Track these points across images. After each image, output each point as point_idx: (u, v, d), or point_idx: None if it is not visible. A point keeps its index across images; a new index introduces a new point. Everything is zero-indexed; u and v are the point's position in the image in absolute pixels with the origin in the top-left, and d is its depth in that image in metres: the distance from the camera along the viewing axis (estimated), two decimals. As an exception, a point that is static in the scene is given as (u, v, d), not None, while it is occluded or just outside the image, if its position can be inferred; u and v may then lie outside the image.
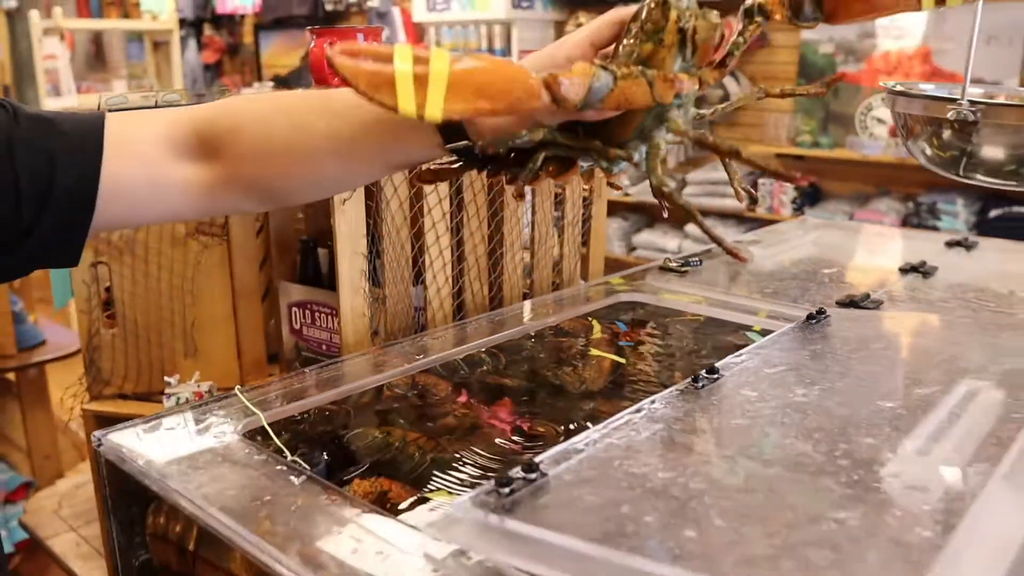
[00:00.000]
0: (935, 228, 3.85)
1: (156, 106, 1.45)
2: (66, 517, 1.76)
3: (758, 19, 0.69)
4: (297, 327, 1.41)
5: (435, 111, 0.54)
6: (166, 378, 1.39)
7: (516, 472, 0.64)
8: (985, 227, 3.76)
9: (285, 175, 0.79)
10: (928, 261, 1.46)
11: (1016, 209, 3.78)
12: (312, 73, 1.23)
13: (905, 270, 1.42)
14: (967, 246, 1.64)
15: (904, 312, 1.16)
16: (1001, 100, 1.24)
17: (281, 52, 6.87)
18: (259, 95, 0.84)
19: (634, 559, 0.52)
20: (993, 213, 3.81)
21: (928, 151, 1.17)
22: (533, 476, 0.63)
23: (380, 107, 0.54)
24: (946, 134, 1.09)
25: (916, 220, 3.94)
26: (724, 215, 4.39)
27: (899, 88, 1.14)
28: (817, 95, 0.76)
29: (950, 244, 1.65)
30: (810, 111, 4.36)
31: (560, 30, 5.13)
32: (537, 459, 0.65)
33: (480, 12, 4.90)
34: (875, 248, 1.76)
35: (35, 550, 2.95)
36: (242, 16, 6.94)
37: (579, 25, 4.92)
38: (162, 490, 0.72)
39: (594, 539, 0.55)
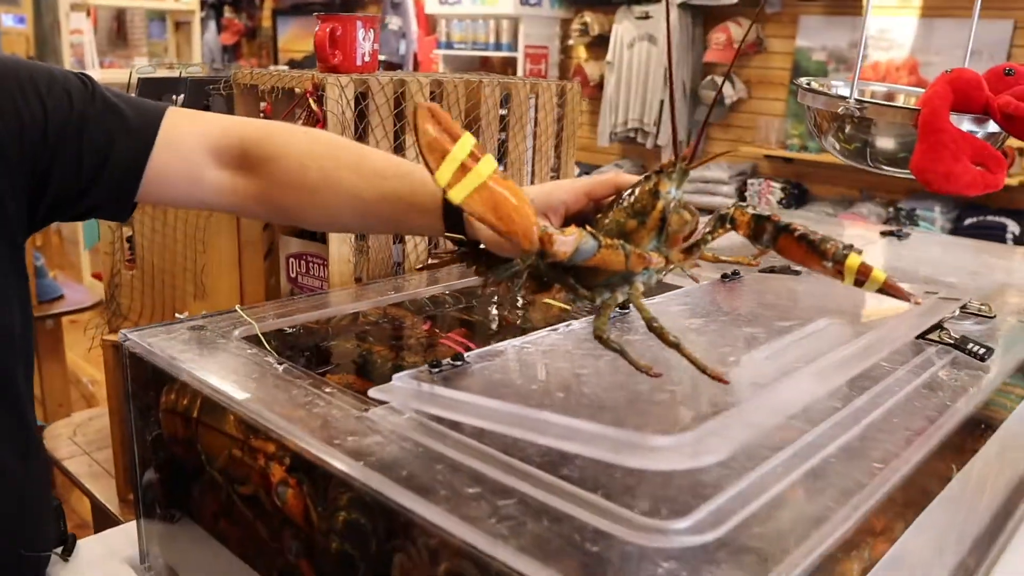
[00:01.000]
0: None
1: (180, 77, 1.65)
2: (80, 443, 1.96)
3: (727, 226, 0.82)
4: (293, 275, 1.60)
5: (457, 196, 0.62)
6: (177, 314, 1.59)
7: (446, 361, 0.83)
8: (960, 233, 3.94)
9: (304, 209, 0.98)
10: (856, 246, 1.64)
11: (990, 218, 3.96)
12: (316, 52, 1.42)
13: (832, 251, 1.60)
14: (899, 236, 1.82)
15: (808, 278, 1.35)
16: (883, 100, 1.41)
17: (298, 37, 7.07)
18: (305, 133, 0.99)
19: (533, 411, 0.71)
20: (968, 220, 3.98)
21: (836, 145, 1.35)
22: (459, 363, 0.83)
23: (423, 165, 0.63)
24: (848, 128, 1.28)
25: (895, 224, 4.12)
26: (712, 211, 4.56)
27: (805, 84, 1.32)
28: (749, 266, 0.92)
29: (884, 234, 1.83)
30: (800, 116, 4.53)
31: (565, 28, 5.32)
32: (465, 354, 0.85)
33: (489, 7, 5.08)
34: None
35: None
36: (261, 0, 7.14)
37: (584, 24, 5.11)
38: (174, 370, 0.91)
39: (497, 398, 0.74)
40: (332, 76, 1.29)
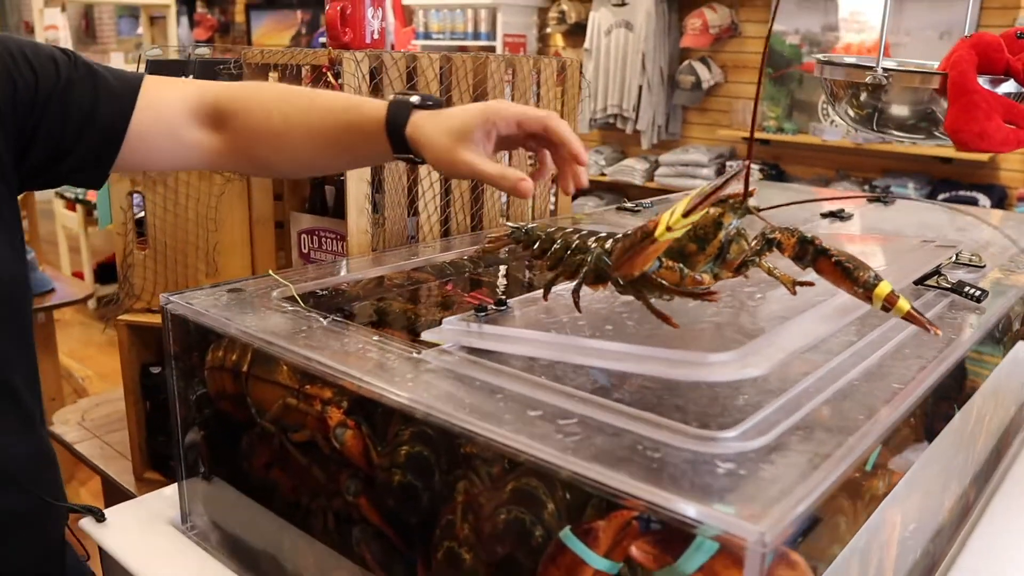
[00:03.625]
0: (886, 209, 4.12)
1: (188, 59, 1.68)
2: (89, 427, 1.98)
3: (774, 249, 0.85)
4: (305, 251, 1.64)
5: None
6: (192, 292, 1.62)
7: (490, 306, 0.88)
8: (933, 209, 4.04)
9: (274, 153, 1.06)
10: (847, 211, 1.71)
11: (962, 193, 4.07)
12: (328, 31, 1.46)
13: (825, 215, 1.67)
14: (885, 202, 1.90)
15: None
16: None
17: (272, 31, 7.06)
18: (269, 87, 1.08)
19: (584, 339, 0.76)
20: (940, 196, 4.09)
21: (850, 112, 1.43)
22: (503, 308, 0.88)
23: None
24: (863, 96, 1.35)
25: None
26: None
27: (825, 59, 1.40)
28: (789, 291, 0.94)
29: (871, 200, 1.91)
30: (776, 99, 4.62)
31: (543, 16, 5.37)
32: (507, 300, 0.90)
33: (467, -4, 5.13)
34: (808, 203, 2.01)
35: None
36: (235, -5, 7.11)
37: (561, 12, 5.16)
38: (222, 326, 0.95)
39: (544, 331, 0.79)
40: (348, 52, 1.34)
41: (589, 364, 0.71)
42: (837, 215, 1.67)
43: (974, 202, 3.96)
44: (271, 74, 1.53)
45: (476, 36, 5.19)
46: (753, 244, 0.81)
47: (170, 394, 1.07)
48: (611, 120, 4.99)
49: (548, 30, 5.33)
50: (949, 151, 4.01)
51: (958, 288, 1.11)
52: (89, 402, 2.24)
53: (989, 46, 1.24)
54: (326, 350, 0.86)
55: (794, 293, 0.87)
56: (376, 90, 1.37)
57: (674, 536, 0.60)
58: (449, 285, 1.23)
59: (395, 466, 0.80)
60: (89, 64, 0.97)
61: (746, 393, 0.74)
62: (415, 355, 0.83)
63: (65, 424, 2.03)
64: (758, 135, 4.59)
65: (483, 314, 0.86)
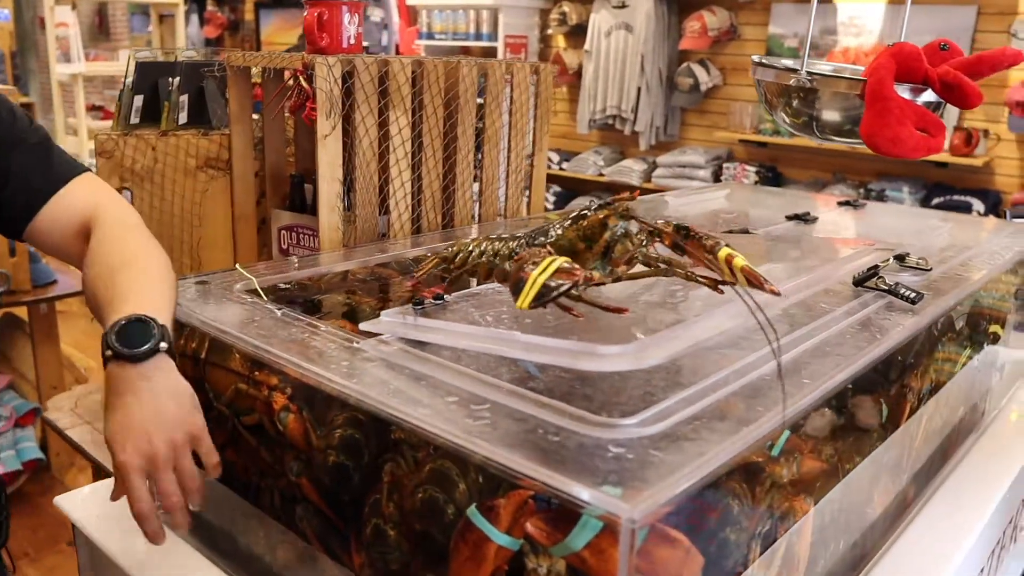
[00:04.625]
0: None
1: (175, 61, 1.74)
2: (81, 414, 2.05)
3: (657, 238, 0.91)
4: (285, 247, 1.70)
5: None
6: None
7: (428, 301, 0.93)
8: (927, 213, 4.06)
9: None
10: (813, 214, 1.75)
11: (956, 197, 4.09)
12: (305, 35, 1.52)
13: (790, 217, 1.72)
14: (856, 205, 1.94)
15: (769, 239, 1.46)
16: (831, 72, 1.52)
17: (280, 30, 7.14)
18: (110, 253, 1.01)
19: (503, 331, 0.81)
20: (935, 200, 4.11)
21: (786, 119, 1.46)
22: (439, 301, 0.93)
23: None
24: (795, 103, 1.39)
25: (866, 205, 4.25)
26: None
27: (757, 60, 1.43)
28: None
29: (841, 203, 1.95)
30: (773, 101, 4.64)
31: (544, 17, 5.42)
32: (445, 295, 0.95)
33: (470, -3, 5.18)
34: (776, 204, 2.05)
35: (40, 471, 3.25)
36: (244, -7, 7.19)
37: (562, 14, 5.21)
38: (184, 316, 1.01)
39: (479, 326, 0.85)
40: (320, 56, 1.39)
41: (504, 353, 0.76)
42: (802, 218, 1.72)
43: (968, 206, 3.98)
44: (253, 72, 1.59)
45: (478, 37, 5.24)
46: (638, 239, 0.87)
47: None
48: (610, 121, 5.04)
49: (549, 31, 5.38)
50: (944, 156, 4.03)
51: (894, 290, 1.16)
52: (84, 389, 2.31)
53: (909, 56, 1.28)
54: (273, 339, 0.92)
55: (720, 292, 0.92)
56: (348, 93, 1.42)
57: (565, 515, 0.65)
58: (411, 281, 1.28)
59: (330, 448, 0.85)
60: (46, 135, 1.08)
61: (657, 385, 0.79)
62: (354, 344, 0.89)
63: (59, 411, 2.09)
64: (755, 138, 4.63)
65: (420, 307, 0.91)
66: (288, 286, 1.19)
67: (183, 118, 1.74)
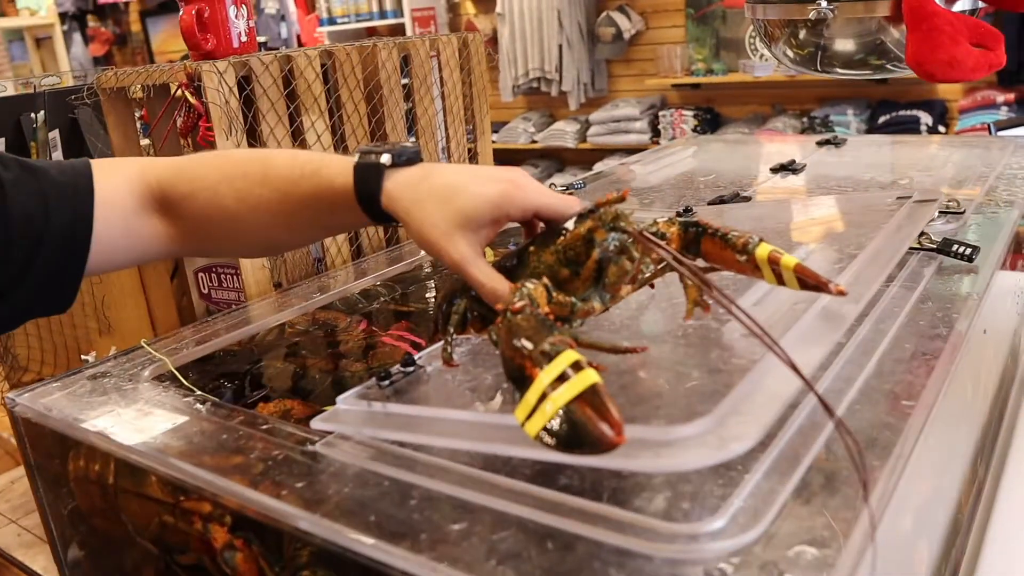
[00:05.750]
0: (828, 139, 4.02)
1: (35, 92, 1.46)
2: (4, 511, 1.78)
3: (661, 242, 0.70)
4: (205, 291, 1.45)
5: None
6: (83, 356, 1.42)
7: (395, 368, 0.71)
8: (876, 131, 3.94)
9: (232, 237, 0.84)
10: (798, 160, 1.56)
11: (902, 113, 3.97)
12: (185, 40, 1.26)
13: (775, 169, 1.52)
14: (836, 143, 1.75)
15: (760, 204, 1.26)
16: None
17: (173, 36, 6.70)
18: (214, 158, 0.85)
19: (511, 418, 0.59)
20: (881, 119, 3.99)
21: (789, 52, 1.26)
22: (410, 369, 0.70)
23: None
24: (802, 34, 1.19)
25: (812, 134, 4.11)
26: (628, 150, 4.49)
27: None
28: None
29: (820, 143, 1.76)
30: (701, 39, 4.47)
31: (450, -12, 5.14)
32: (416, 356, 0.73)
33: (368, -26, 4.87)
34: (751, 154, 1.86)
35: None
36: (126, 3, 6.74)
37: (469, -22, 4.93)
38: (77, 433, 0.77)
39: (464, 408, 0.62)
40: (207, 63, 1.14)
41: (521, 455, 0.55)
42: (788, 168, 1.52)
43: (915, 121, 3.86)
44: (134, 96, 1.33)
45: (383, 15, 4.94)
46: (639, 257, 0.65)
47: (39, 509, 0.89)
48: (535, 84, 4.80)
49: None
50: (882, 71, 3.89)
51: (944, 247, 0.96)
52: (3, 479, 2.02)
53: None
54: (199, 452, 0.69)
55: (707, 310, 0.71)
56: (248, 102, 1.18)
57: None
58: (363, 323, 1.05)
59: (298, 596, 0.63)
60: (23, 162, 0.75)
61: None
62: (310, 448, 0.66)
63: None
64: (688, 80, 4.44)
65: (387, 383, 0.68)
66: (212, 357, 0.96)
67: (58, 156, 1.46)
